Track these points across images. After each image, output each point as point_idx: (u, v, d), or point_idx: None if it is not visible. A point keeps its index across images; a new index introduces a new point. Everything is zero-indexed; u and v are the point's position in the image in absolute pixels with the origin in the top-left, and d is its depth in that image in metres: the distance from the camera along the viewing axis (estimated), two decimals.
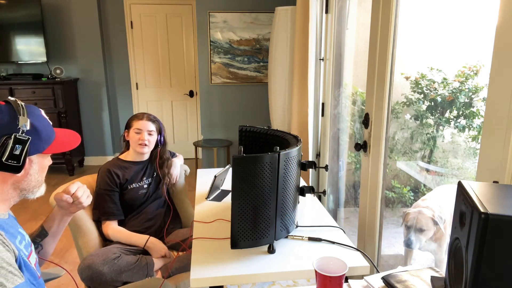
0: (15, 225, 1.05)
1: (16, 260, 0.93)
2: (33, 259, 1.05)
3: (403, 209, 2.02)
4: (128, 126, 1.96)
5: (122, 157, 2.00)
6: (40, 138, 1.00)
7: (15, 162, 0.94)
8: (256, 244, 1.31)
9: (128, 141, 1.99)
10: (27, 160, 0.98)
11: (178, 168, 2.16)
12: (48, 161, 1.08)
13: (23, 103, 1.00)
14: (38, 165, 1.03)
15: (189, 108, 5.36)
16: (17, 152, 0.94)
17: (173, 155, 2.21)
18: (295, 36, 2.70)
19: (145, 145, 1.93)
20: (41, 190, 1.08)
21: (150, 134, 1.95)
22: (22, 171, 0.97)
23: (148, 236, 1.87)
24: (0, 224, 0.96)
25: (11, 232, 0.99)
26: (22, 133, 0.94)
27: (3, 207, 1.00)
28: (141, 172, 1.99)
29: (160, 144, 2.04)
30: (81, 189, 1.20)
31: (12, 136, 0.93)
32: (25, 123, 0.95)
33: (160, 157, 2.05)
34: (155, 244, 1.85)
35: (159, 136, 2.02)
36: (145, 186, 1.99)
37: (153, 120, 1.97)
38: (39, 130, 1.00)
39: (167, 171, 2.06)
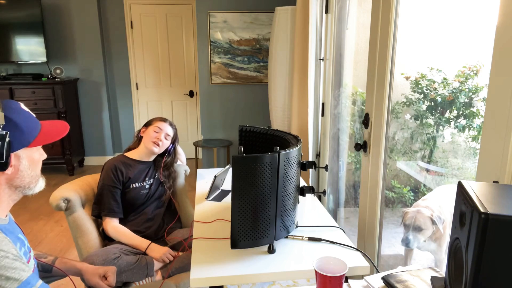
0: (15, 230, 1.03)
1: None
2: (31, 265, 1.04)
3: (403, 209, 2.02)
4: (148, 124, 2.03)
5: (128, 154, 2.01)
6: (21, 131, 0.95)
7: None
8: (256, 244, 1.31)
9: (140, 138, 2.01)
10: (13, 156, 0.94)
11: (183, 155, 2.25)
12: (39, 154, 1.03)
13: None
14: (28, 160, 0.99)
15: (189, 108, 5.36)
16: None
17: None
18: (295, 36, 2.70)
19: (158, 144, 1.96)
20: (39, 185, 1.05)
21: (166, 138, 2.00)
22: (12, 168, 0.94)
23: (149, 241, 1.86)
24: (1, 229, 0.94)
25: (11, 238, 0.97)
26: None
27: (2, 209, 0.98)
28: (144, 172, 2.00)
29: (168, 153, 2.06)
30: (114, 278, 1.42)
31: None
32: None
33: (167, 167, 2.08)
34: (154, 251, 1.84)
35: (171, 145, 2.05)
36: (147, 186, 1.99)
37: (174, 127, 2.06)
38: (18, 124, 0.95)
39: (171, 181, 2.11)
